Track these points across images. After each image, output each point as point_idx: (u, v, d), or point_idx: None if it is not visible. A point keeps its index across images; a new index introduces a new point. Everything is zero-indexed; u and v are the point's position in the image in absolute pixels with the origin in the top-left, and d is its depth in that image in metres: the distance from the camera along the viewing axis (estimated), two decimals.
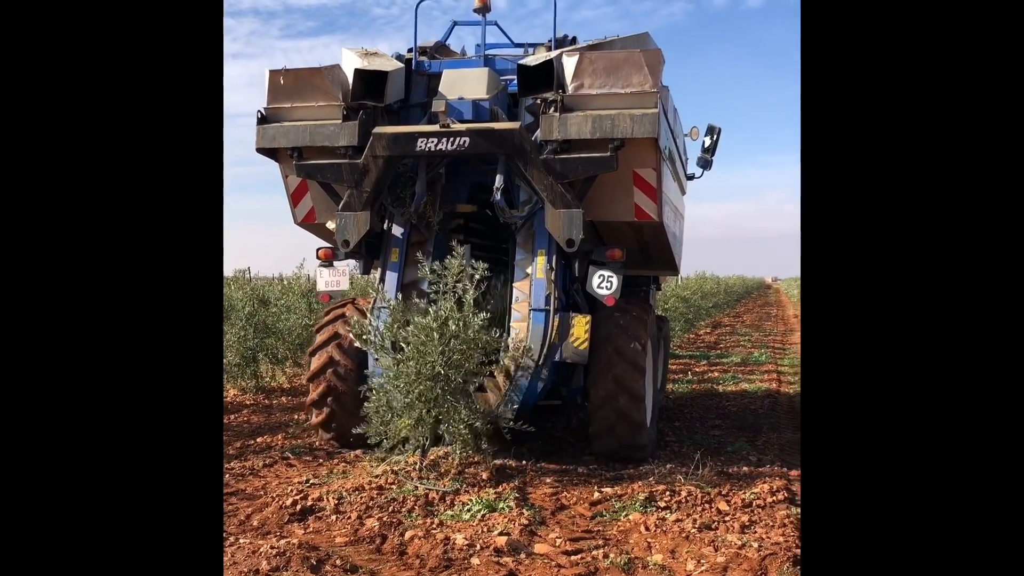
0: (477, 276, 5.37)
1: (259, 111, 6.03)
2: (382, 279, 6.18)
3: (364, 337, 5.59)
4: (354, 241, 5.97)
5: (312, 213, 6.52)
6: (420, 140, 5.65)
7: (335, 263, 6.41)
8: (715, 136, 7.78)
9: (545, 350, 5.70)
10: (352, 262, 6.49)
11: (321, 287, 6.60)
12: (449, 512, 4.88)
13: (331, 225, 6.23)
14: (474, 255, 6.14)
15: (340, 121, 5.83)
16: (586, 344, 5.75)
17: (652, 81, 5.46)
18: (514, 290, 5.99)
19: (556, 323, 5.74)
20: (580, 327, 5.75)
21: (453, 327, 5.28)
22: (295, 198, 6.51)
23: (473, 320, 5.29)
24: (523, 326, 5.82)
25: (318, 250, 6.48)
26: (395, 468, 5.70)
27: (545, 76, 5.63)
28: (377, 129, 5.77)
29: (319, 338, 6.34)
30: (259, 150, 6.09)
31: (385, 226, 6.26)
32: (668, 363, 10.13)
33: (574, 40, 6.62)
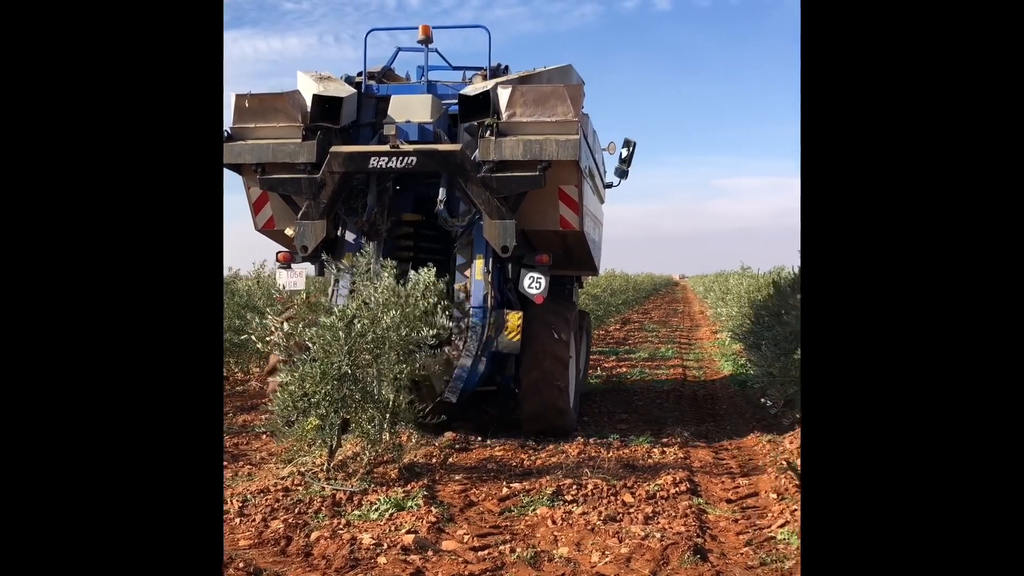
0: (387, 275, 5.47)
1: (226, 130, 6.63)
2: (336, 281, 6.87)
3: (265, 339, 5.71)
4: (312, 247, 6.74)
5: (272, 221, 7.31)
6: (372, 158, 6.50)
7: (292, 265, 7.14)
8: (631, 149, 8.98)
9: (483, 342, 6.57)
10: (309, 264, 7.20)
11: (281, 286, 7.34)
12: (356, 512, 4.85)
13: (290, 232, 6.98)
14: (420, 258, 6.82)
15: (300, 140, 6.60)
16: (518, 337, 6.67)
17: (574, 111, 6.36)
18: (455, 289, 6.74)
19: (492, 319, 6.64)
20: (513, 322, 6.67)
21: (359, 326, 5.26)
22: (256, 207, 7.28)
23: (384, 317, 5.30)
24: (464, 321, 6.59)
25: (277, 253, 7.23)
26: (302, 469, 5.63)
27: (482, 104, 6.49)
28: (334, 148, 6.57)
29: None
30: (226, 165, 6.64)
31: (339, 233, 7.00)
32: (589, 353, 10.98)
33: (507, 69, 7.60)
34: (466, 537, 4.45)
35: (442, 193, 6.67)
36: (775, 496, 5.33)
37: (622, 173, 9.09)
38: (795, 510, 4.91)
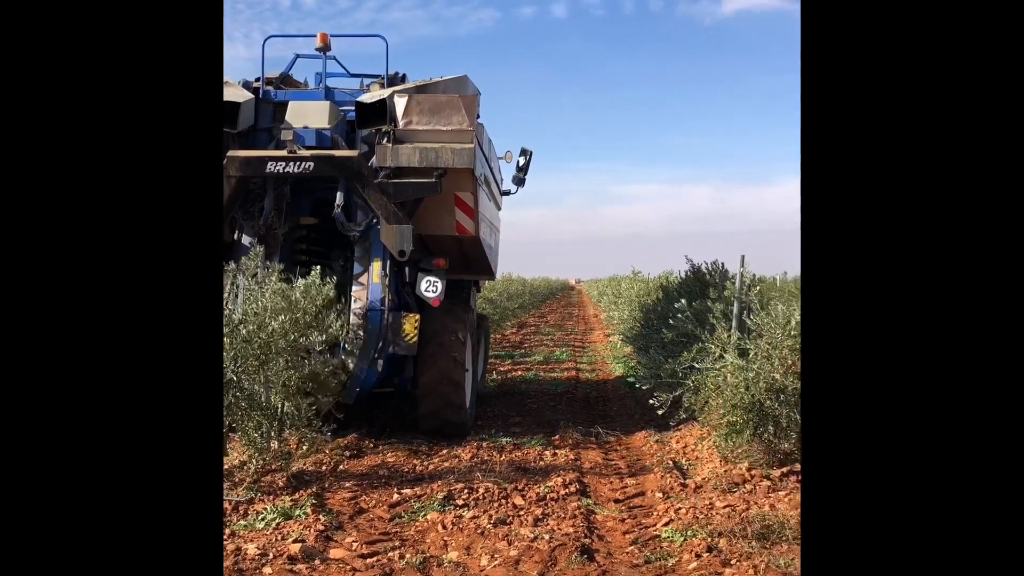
0: (274, 279, 5.40)
1: None
2: (233, 285, 6.79)
3: None
4: None
5: None
6: (270, 163, 6.54)
7: None
8: (527, 158, 9.26)
9: (379, 344, 6.66)
10: None
11: None
12: (242, 522, 4.73)
13: None
14: (317, 262, 6.84)
15: None
16: (415, 339, 6.81)
17: (469, 121, 6.54)
18: (353, 292, 6.82)
19: (389, 321, 6.74)
20: (410, 324, 6.80)
21: (245, 332, 5.13)
22: None
23: (272, 322, 5.20)
24: (361, 323, 6.70)
25: None
26: None
27: (379, 112, 6.61)
28: (231, 153, 6.55)
29: None
30: None
31: (236, 237, 6.95)
32: (488, 356, 11.18)
33: (404, 77, 7.71)
34: (355, 545, 4.40)
35: (339, 198, 6.73)
36: (661, 495, 5.48)
37: (519, 181, 9.39)
38: (679, 508, 5.06)
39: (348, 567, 4.06)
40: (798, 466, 5.96)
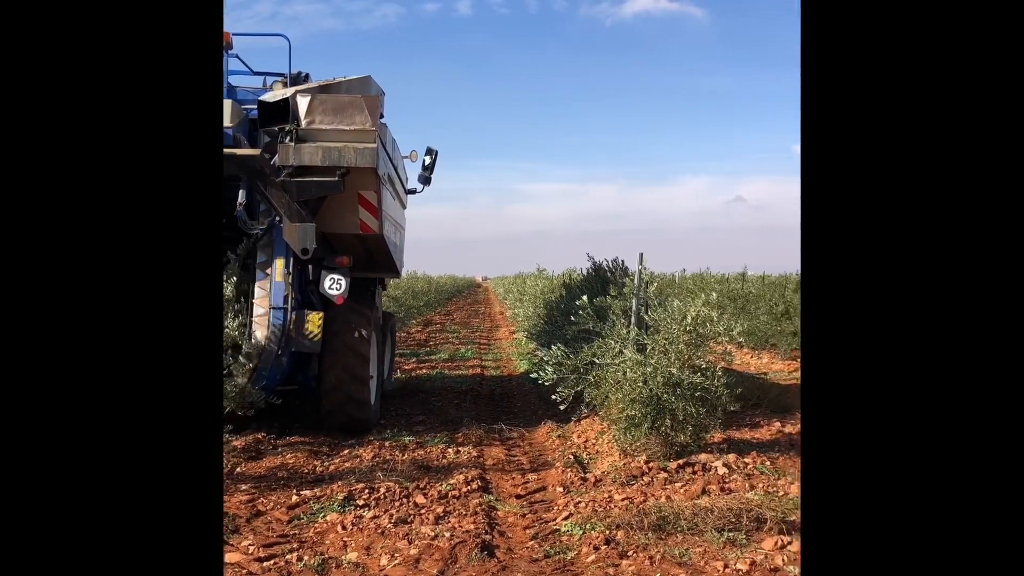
0: None
1: None
2: None
3: None
4: None
5: None
6: None
7: None
8: (433, 157, 9.32)
9: (283, 342, 6.68)
10: None
11: None
12: None
13: None
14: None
15: None
16: (319, 336, 6.84)
17: (372, 121, 6.55)
18: (256, 290, 6.81)
19: (293, 318, 6.77)
20: (314, 322, 6.84)
21: None
22: None
23: None
24: (264, 321, 6.67)
25: None
26: None
27: (282, 111, 6.54)
28: None
29: None
30: None
31: None
32: (395, 354, 11.21)
33: (307, 76, 7.80)
34: (251, 548, 4.30)
35: (241, 196, 6.71)
36: (561, 490, 5.55)
37: (425, 180, 9.54)
38: (579, 502, 5.14)
39: (244, 571, 3.97)
40: (694, 458, 6.13)
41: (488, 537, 4.47)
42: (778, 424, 7.78)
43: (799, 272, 2.22)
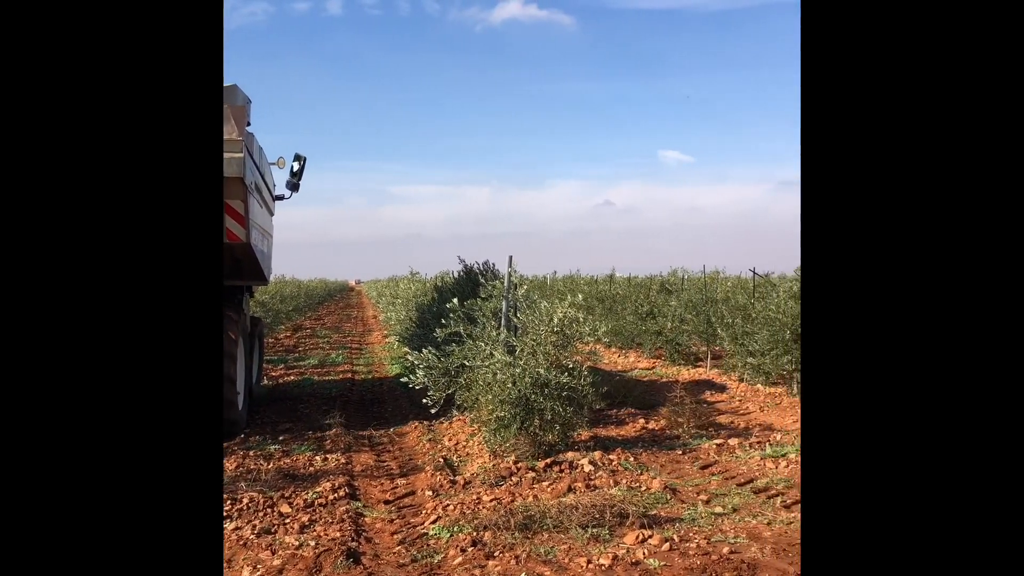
0: None
1: None
2: None
3: None
4: None
5: None
6: None
7: None
8: (301, 163, 9.35)
9: None
10: None
11: None
12: None
13: None
14: None
15: None
16: None
17: (238, 131, 6.66)
18: None
19: None
20: None
21: None
22: None
23: None
24: None
25: None
26: None
27: None
28: None
29: None
30: None
31: None
32: (263, 359, 11.11)
33: None
34: None
35: None
36: (431, 493, 5.54)
37: (293, 186, 9.53)
38: (447, 505, 5.14)
39: None
40: (561, 456, 6.25)
41: (354, 544, 4.41)
42: (642, 421, 8.03)
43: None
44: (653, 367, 12.76)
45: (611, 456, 6.31)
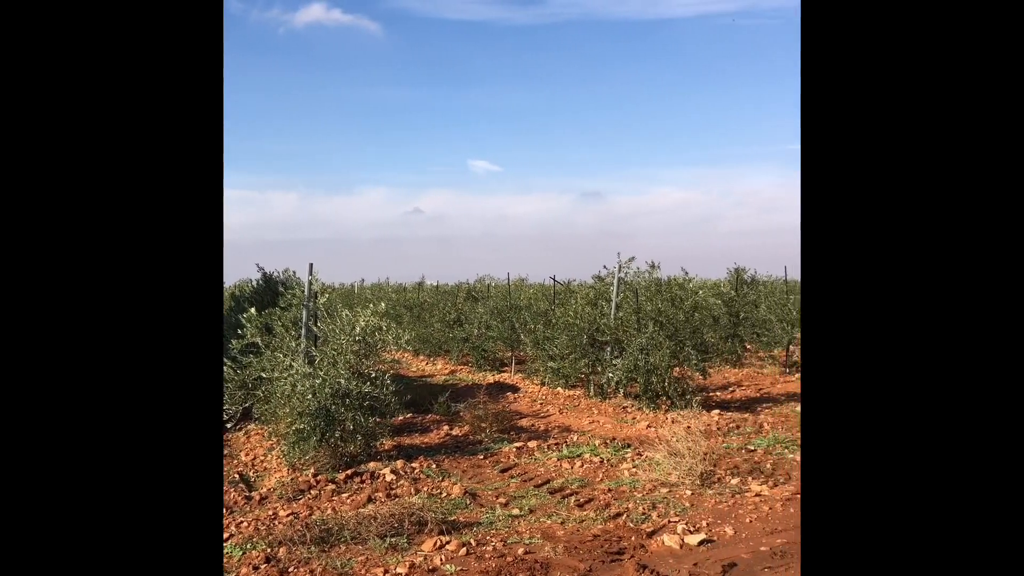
0: None
1: None
2: None
3: None
4: None
5: None
6: None
7: None
8: None
9: None
10: None
11: None
12: None
13: None
14: None
15: None
16: None
17: None
18: None
19: None
20: None
21: None
22: None
23: None
24: None
25: None
26: None
27: None
28: None
29: None
30: None
31: None
32: None
33: None
34: None
35: None
36: (225, 511, 5.31)
37: None
38: (241, 522, 4.95)
39: None
40: (363, 467, 6.19)
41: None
42: (447, 427, 8.11)
43: (799, 276, 2.21)
44: (460, 373, 12.92)
45: (413, 464, 6.33)
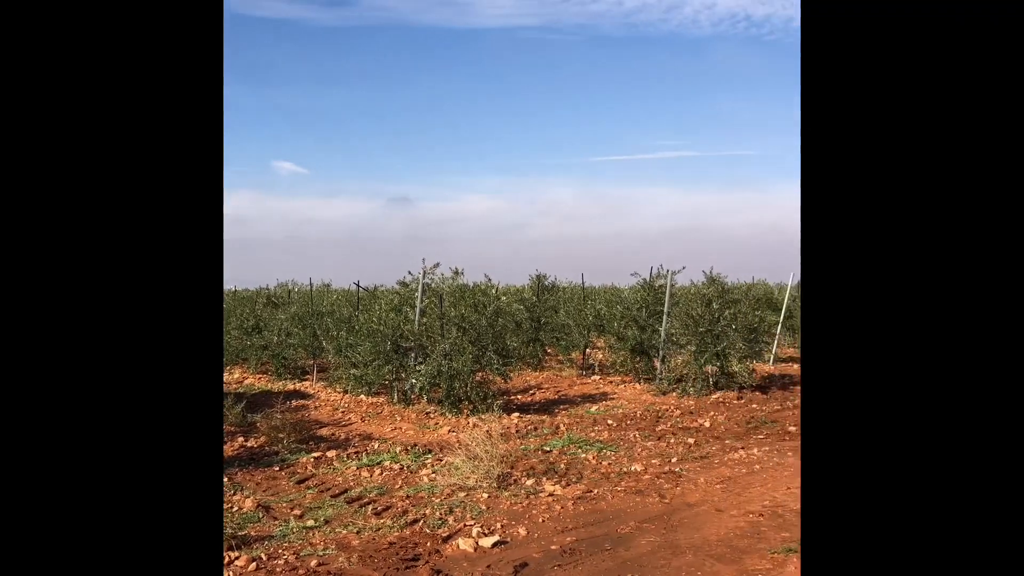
0: None
1: None
2: None
3: None
4: None
5: None
6: None
7: None
8: None
9: None
10: None
11: None
12: None
13: None
14: None
15: None
16: None
17: None
18: None
19: None
20: None
21: None
22: None
23: None
24: None
25: None
26: None
27: None
28: None
29: None
30: None
31: None
32: None
33: None
34: None
35: None
36: None
37: None
38: None
39: None
40: None
41: None
42: (241, 439, 7.79)
43: (800, 277, 2.18)
44: (259, 382, 12.46)
45: None
